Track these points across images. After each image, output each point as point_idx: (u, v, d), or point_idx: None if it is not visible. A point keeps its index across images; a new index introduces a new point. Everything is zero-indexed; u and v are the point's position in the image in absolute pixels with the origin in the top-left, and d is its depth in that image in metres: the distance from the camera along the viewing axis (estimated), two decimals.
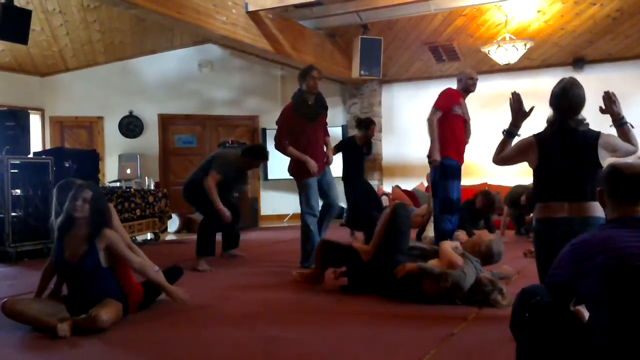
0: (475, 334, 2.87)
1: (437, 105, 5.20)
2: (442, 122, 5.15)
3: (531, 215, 7.27)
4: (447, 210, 5.15)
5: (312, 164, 5.06)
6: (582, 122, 3.01)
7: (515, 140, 3.19)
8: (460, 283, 3.44)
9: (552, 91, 3.06)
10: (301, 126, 5.12)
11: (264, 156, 5.67)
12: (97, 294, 3.15)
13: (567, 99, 2.98)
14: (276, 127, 5.29)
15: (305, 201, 5.18)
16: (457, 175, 5.21)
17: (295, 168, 5.20)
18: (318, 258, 4.23)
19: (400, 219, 3.94)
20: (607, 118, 3.11)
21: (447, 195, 5.14)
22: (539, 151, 3.02)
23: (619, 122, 3.05)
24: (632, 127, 3.08)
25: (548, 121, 3.09)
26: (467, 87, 5.33)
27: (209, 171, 5.31)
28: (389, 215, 3.96)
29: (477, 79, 5.38)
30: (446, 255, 3.61)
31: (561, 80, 3.06)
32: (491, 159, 3.27)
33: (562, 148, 2.96)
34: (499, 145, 3.21)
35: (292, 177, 5.35)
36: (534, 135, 3.10)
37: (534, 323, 1.86)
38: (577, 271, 1.83)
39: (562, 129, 2.99)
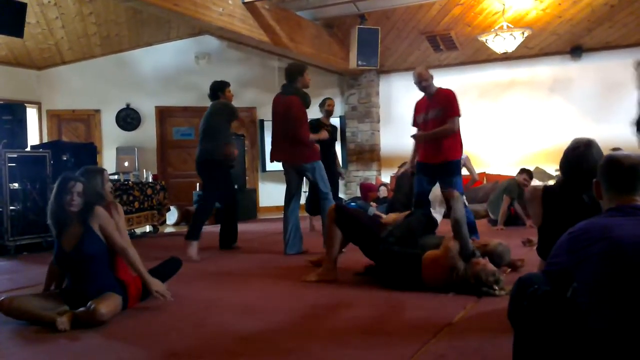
0: (474, 323, 2.88)
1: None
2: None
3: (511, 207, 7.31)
4: (415, 204, 5.32)
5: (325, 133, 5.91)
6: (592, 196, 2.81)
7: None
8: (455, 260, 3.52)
9: (565, 154, 2.78)
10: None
11: (224, 84, 6.07)
12: (96, 287, 3.14)
13: (577, 165, 2.70)
14: (293, 118, 5.31)
15: (327, 183, 5.43)
16: (420, 172, 5.40)
17: (312, 152, 5.39)
18: (332, 229, 4.08)
19: (415, 219, 4.15)
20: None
21: (415, 189, 5.47)
22: (544, 207, 2.84)
23: None
24: None
25: (557, 182, 2.91)
26: (421, 90, 5.39)
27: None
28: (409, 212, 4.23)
29: (418, 80, 5.28)
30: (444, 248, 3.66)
31: (577, 144, 2.75)
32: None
33: (567, 214, 2.66)
34: None
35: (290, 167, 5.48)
36: (543, 189, 2.90)
37: (531, 311, 1.86)
38: (574, 259, 1.84)
39: (570, 195, 2.76)
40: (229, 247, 5.99)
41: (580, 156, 2.70)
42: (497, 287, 3.42)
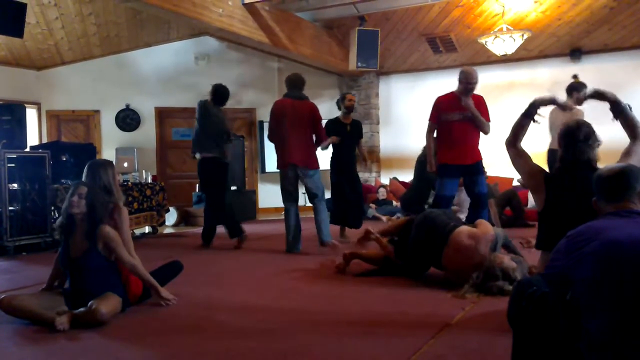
0: (473, 324, 2.88)
1: (429, 119, 5.46)
2: (439, 131, 5.42)
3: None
4: (439, 206, 5.22)
5: None
6: (594, 160, 2.85)
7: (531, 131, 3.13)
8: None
9: (560, 131, 2.99)
10: None
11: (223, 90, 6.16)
12: (98, 288, 3.15)
13: (577, 133, 2.88)
14: (318, 120, 5.70)
15: (320, 187, 5.68)
16: (448, 174, 5.31)
17: (317, 159, 5.74)
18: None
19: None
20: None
21: (439, 192, 5.36)
22: (546, 192, 2.91)
23: (616, 110, 2.95)
24: (630, 107, 3.01)
25: (558, 159, 2.98)
26: (466, 89, 5.28)
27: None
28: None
29: (472, 81, 5.24)
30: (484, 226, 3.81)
31: (571, 122, 3.00)
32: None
33: (572, 186, 2.80)
34: (514, 127, 3.12)
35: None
36: (545, 173, 2.99)
37: (530, 313, 1.87)
38: (572, 260, 1.85)
39: (573, 165, 2.88)
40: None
41: (574, 126, 2.92)
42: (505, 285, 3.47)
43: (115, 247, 3.23)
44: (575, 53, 9.29)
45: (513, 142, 3.11)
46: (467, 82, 5.22)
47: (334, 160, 6.50)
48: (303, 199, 10.13)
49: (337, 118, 6.58)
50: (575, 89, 5.95)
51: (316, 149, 5.72)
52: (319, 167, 5.65)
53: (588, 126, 2.93)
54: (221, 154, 6.05)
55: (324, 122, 5.81)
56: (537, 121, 3.12)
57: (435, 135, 5.49)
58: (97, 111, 10.28)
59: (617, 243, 1.76)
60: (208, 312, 3.31)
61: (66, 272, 3.34)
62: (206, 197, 6.27)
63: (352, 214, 6.38)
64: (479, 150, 5.41)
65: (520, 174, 3.26)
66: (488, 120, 5.38)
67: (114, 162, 3.95)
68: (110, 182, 3.60)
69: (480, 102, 5.37)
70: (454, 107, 5.27)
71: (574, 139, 2.90)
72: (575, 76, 6.33)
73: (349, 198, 6.38)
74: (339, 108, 6.60)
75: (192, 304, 3.47)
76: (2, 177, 5.83)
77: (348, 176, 6.45)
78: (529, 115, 3.09)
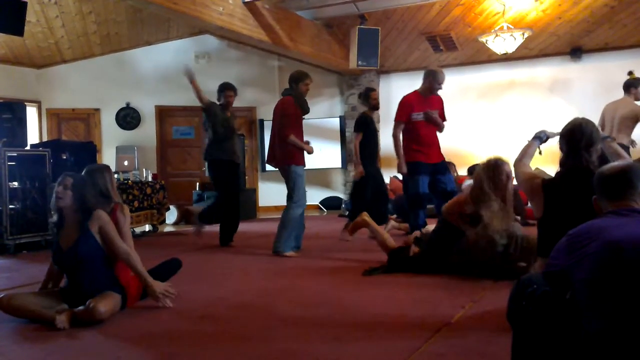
0: (472, 323, 2.88)
1: (397, 118, 5.55)
2: (406, 131, 5.54)
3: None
4: (417, 205, 5.49)
5: (311, 147, 5.44)
6: (594, 165, 2.83)
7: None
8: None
9: (561, 132, 2.99)
10: (299, 120, 5.42)
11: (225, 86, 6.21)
12: (95, 286, 3.14)
13: (580, 141, 2.87)
14: (280, 115, 5.38)
15: (299, 191, 5.32)
16: (424, 171, 5.48)
17: (296, 154, 5.33)
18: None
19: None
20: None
21: (417, 190, 5.44)
22: (545, 198, 2.90)
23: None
24: (612, 139, 3.12)
25: (559, 163, 2.99)
26: (433, 89, 5.53)
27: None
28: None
29: (442, 83, 5.51)
30: None
31: (571, 121, 3.01)
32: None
33: (572, 192, 2.79)
34: (524, 148, 3.26)
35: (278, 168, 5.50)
36: (542, 179, 3.00)
37: (530, 312, 1.87)
38: (572, 259, 1.85)
39: (573, 168, 2.88)
40: (227, 244, 6.09)
41: (574, 126, 2.93)
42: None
43: (109, 230, 3.21)
44: (576, 52, 9.29)
45: (521, 159, 3.24)
46: (438, 83, 5.46)
47: (363, 154, 6.25)
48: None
49: (364, 114, 6.46)
50: (633, 85, 6.10)
51: (292, 143, 5.29)
52: (291, 163, 5.30)
53: (591, 129, 2.90)
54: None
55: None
56: (540, 151, 3.25)
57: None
58: (98, 109, 10.29)
59: (617, 243, 1.76)
60: (207, 311, 3.31)
61: (62, 272, 3.34)
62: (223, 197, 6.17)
63: (375, 210, 6.03)
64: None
65: (518, 183, 3.27)
66: (444, 119, 5.65)
67: (113, 163, 3.96)
68: (107, 186, 3.63)
69: (441, 102, 5.66)
70: (419, 107, 5.50)
71: (577, 147, 2.88)
72: (630, 72, 6.55)
73: (375, 192, 6.30)
74: (363, 102, 6.57)
75: (191, 303, 3.47)
76: (3, 175, 5.83)
77: (375, 171, 6.43)
78: (537, 137, 3.28)
